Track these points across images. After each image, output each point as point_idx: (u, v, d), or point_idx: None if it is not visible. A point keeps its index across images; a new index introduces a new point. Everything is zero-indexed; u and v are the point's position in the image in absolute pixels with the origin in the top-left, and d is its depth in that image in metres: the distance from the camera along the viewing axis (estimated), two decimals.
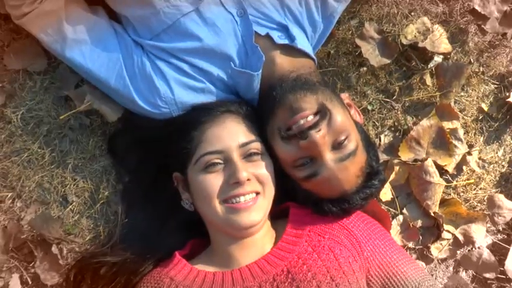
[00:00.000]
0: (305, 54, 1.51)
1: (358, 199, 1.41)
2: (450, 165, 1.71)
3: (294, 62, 1.49)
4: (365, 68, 1.74)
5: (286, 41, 1.47)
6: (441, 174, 1.72)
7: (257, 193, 1.39)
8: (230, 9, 1.47)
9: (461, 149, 1.71)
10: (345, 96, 1.51)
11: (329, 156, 1.35)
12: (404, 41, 1.70)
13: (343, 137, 1.35)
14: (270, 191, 1.42)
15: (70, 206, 1.61)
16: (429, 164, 1.66)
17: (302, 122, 1.34)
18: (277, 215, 1.51)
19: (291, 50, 1.48)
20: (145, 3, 1.42)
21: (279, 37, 1.48)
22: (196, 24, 1.45)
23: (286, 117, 1.37)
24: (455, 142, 1.70)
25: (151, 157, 1.57)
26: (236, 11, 1.48)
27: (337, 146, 1.36)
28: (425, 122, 1.68)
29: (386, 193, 1.69)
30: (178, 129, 1.45)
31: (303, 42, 1.50)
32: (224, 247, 1.42)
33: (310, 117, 1.35)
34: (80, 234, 1.62)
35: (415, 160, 1.69)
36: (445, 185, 1.71)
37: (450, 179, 1.75)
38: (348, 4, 1.62)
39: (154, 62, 1.46)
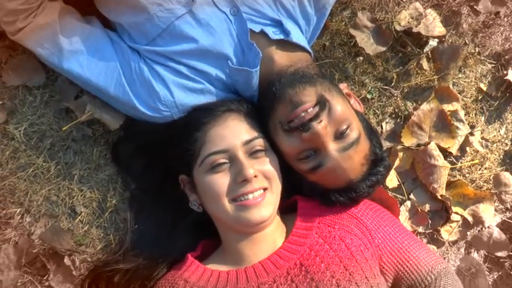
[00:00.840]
0: (301, 48, 1.51)
1: (365, 187, 1.42)
2: (453, 147, 1.71)
3: (291, 56, 1.49)
4: (361, 58, 1.74)
5: (281, 36, 1.48)
6: (445, 157, 1.73)
7: (265, 189, 1.40)
8: (223, 8, 1.48)
9: (463, 130, 1.71)
10: (343, 86, 1.51)
11: (332, 147, 1.35)
12: (398, 28, 1.71)
13: (344, 126, 1.36)
14: (277, 185, 1.43)
15: (79, 217, 1.61)
16: (432, 147, 1.66)
17: (303, 114, 1.35)
18: (286, 210, 1.52)
19: (287, 44, 1.49)
20: (139, 10, 1.43)
21: (273, 33, 1.48)
22: (191, 26, 1.45)
23: (287, 112, 1.38)
24: (456, 123, 1.70)
25: (156, 161, 1.58)
26: (229, 9, 1.48)
27: (339, 135, 1.36)
28: (425, 106, 1.68)
29: (392, 180, 1.69)
30: (180, 131, 1.46)
31: (298, 36, 1.51)
32: (235, 245, 1.42)
33: (311, 109, 1.36)
34: (91, 244, 1.63)
35: (418, 145, 1.70)
36: (450, 167, 1.72)
37: (455, 161, 1.75)
38: None
39: (152, 67, 1.46)
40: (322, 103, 1.36)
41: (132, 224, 1.59)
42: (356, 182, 1.41)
